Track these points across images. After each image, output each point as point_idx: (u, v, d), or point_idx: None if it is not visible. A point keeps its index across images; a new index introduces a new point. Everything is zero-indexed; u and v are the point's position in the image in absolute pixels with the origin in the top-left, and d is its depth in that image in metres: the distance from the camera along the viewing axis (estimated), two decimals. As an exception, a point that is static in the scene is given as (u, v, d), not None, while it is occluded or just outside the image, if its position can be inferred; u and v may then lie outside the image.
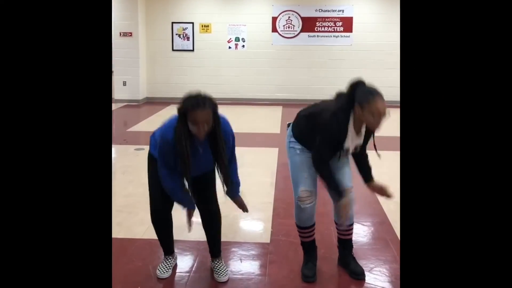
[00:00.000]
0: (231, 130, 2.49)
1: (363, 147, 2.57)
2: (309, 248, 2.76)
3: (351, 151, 2.51)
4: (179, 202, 2.50)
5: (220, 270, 2.70)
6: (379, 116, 2.26)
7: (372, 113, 2.26)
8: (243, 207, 2.61)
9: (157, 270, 2.70)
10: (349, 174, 2.60)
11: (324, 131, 2.40)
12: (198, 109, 2.18)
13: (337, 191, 2.48)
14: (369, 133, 2.49)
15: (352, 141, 2.45)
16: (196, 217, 2.61)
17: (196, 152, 2.36)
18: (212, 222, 2.71)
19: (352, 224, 2.71)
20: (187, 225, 2.49)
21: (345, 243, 2.77)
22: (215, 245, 2.76)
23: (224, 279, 2.67)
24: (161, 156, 2.39)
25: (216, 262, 2.74)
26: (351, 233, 2.74)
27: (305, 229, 2.68)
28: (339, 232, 2.76)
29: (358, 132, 2.45)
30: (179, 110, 2.24)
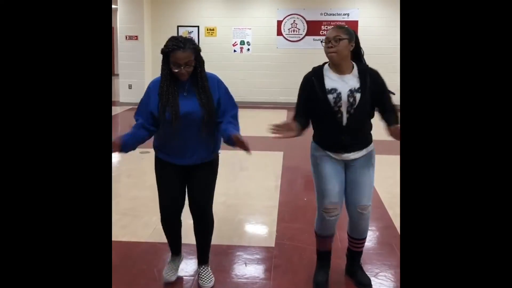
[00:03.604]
0: (219, 79, 2.49)
1: (384, 99, 2.44)
2: (324, 257, 2.70)
3: (346, 93, 2.37)
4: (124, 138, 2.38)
5: (206, 276, 2.68)
6: (327, 41, 2.36)
7: (324, 42, 2.38)
8: (244, 146, 2.34)
9: (164, 273, 2.67)
10: (369, 190, 2.51)
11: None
12: (178, 51, 2.27)
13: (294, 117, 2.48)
14: (372, 80, 2.41)
15: (339, 83, 2.39)
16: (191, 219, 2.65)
17: (180, 96, 2.38)
18: (202, 227, 2.67)
19: (365, 238, 2.67)
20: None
21: (354, 254, 2.73)
22: (203, 252, 2.73)
23: (208, 285, 2.65)
24: (141, 103, 2.45)
25: (202, 268, 2.72)
26: (363, 246, 2.70)
27: (325, 238, 2.63)
28: (350, 244, 2.72)
29: (340, 72, 2.41)
30: (162, 51, 2.33)
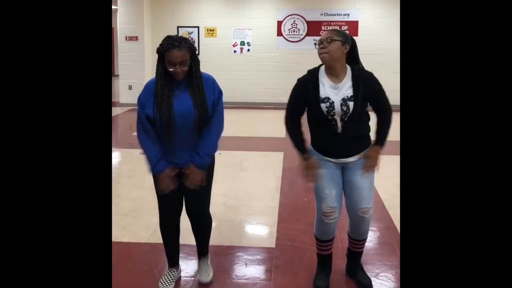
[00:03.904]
0: (214, 80, 2.48)
1: (378, 105, 2.46)
2: (325, 261, 2.69)
3: (339, 102, 2.37)
4: (148, 159, 2.41)
5: (203, 270, 2.72)
6: (320, 42, 2.38)
7: (318, 44, 2.41)
8: (192, 180, 2.41)
9: (160, 283, 2.64)
10: (369, 192, 2.49)
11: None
12: (173, 50, 2.27)
13: (299, 151, 2.48)
14: (366, 87, 2.40)
15: (333, 92, 2.38)
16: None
17: (174, 95, 2.38)
18: (200, 228, 2.67)
19: (365, 239, 2.66)
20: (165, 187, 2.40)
21: (355, 255, 2.72)
22: (202, 246, 2.76)
23: (205, 280, 2.68)
24: (140, 102, 2.41)
25: (202, 261, 2.76)
26: (363, 247, 2.70)
27: (325, 243, 2.62)
28: (351, 245, 2.71)
29: (334, 76, 2.40)
30: (158, 50, 2.33)
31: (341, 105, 2.36)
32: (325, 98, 2.38)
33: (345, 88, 2.39)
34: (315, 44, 2.45)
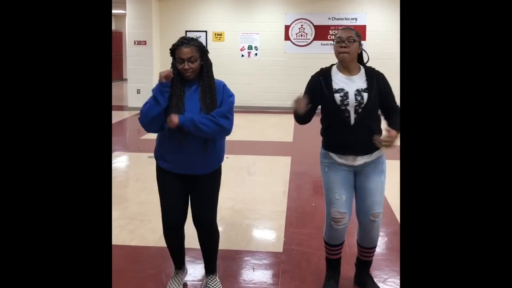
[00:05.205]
0: (225, 85, 2.46)
1: (387, 102, 2.46)
2: (334, 265, 2.67)
3: (353, 93, 2.38)
4: (151, 111, 2.36)
5: (213, 286, 2.64)
6: (340, 41, 2.40)
7: (336, 42, 2.43)
8: (171, 120, 2.31)
9: (168, 286, 2.64)
10: (380, 197, 2.49)
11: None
12: (182, 46, 2.33)
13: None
14: (379, 83, 2.44)
15: (346, 84, 2.41)
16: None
17: (186, 97, 2.38)
18: (206, 239, 2.62)
19: (375, 247, 2.63)
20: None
21: (364, 263, 2.70)
22: (210, 262, 2.68)
23: None
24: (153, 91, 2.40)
25: (210, 278, 2.68)
26: (373, 255, 2.67)
27: (334, 247, 2.60)
28: (360, 254, 2.68)
29: (348, 72, 2.45)
30: (170, 50, 2.39)
31: (355, 95, 2.39)
32: (339, 89, 2.41)
33: (360, 81, 2.43)
34: (334, 41, 2.45)
